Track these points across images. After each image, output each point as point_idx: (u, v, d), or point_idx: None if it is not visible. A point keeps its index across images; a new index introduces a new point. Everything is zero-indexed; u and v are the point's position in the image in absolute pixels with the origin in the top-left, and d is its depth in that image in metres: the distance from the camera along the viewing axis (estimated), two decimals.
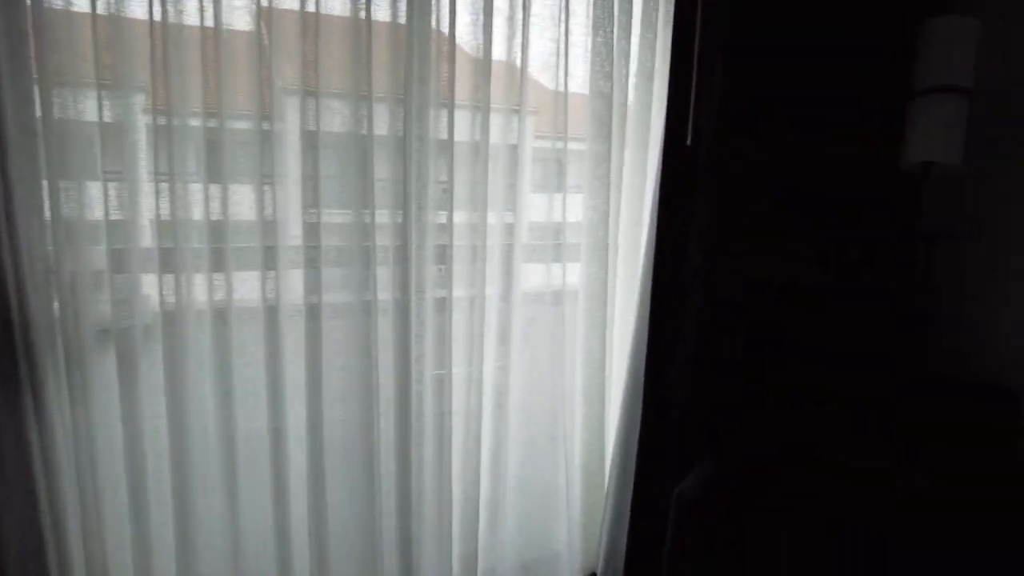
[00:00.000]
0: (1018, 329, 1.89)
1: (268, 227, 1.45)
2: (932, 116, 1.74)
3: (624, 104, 1.80)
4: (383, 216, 1.53)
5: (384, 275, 1.55)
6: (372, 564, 1.66)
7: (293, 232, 1.48)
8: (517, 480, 1.91)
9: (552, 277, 1.84)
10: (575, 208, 1.83)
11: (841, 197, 1.86)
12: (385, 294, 1.57)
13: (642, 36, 1.79)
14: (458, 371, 1.71)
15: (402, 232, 1.54)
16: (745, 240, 1.74)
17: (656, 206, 1.72)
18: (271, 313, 1.48)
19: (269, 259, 1.46)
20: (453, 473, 1.73)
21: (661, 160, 1.69)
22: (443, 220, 1.61)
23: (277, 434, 1.51)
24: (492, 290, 1.73)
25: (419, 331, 1.63)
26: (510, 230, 1.72)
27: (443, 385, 1.69)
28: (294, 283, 1.49)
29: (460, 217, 1.63)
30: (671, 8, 1.66)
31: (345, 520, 1.61)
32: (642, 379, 1.82)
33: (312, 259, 1.48)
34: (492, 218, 1.68)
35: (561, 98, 1.71)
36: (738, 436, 1.77)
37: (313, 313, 1.51)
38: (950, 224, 1.97)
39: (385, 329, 1.58)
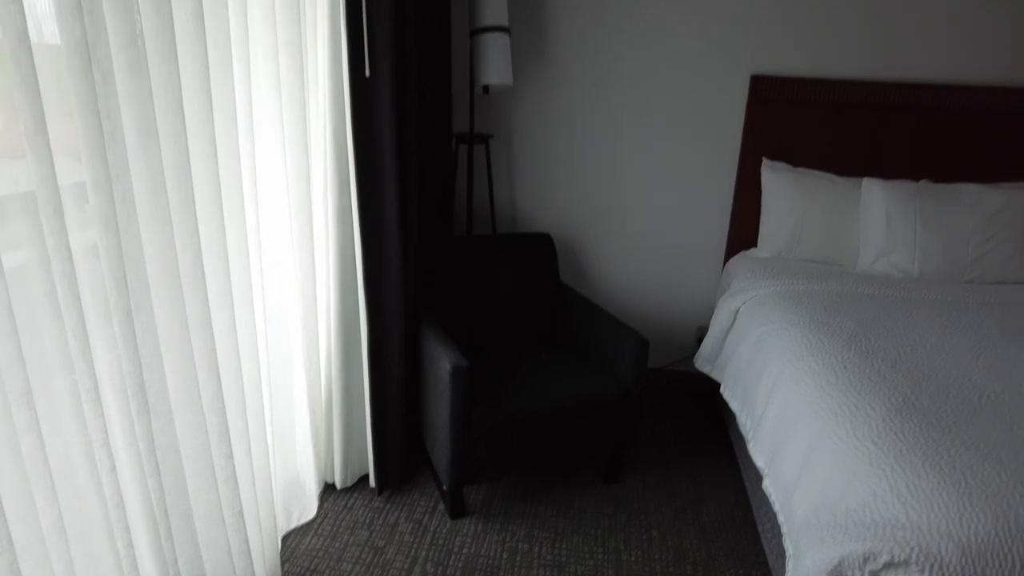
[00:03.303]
0: (540, 197, 2.89)
1: None
2: (487, 50, 2.39)
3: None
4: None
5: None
6: None
7: None
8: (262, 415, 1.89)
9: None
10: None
11: (437, 111, 2.37)
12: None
13: None
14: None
15: None
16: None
17: (351, 132, 1.87)
18: None
19: None
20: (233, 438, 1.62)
21: (349, 92, 1.84)
22: None
23: None
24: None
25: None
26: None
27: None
28: None
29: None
30: None
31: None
32: (360, 289, 2.03)
33: None
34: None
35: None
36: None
37: None
38: (501, 127, 2.76)
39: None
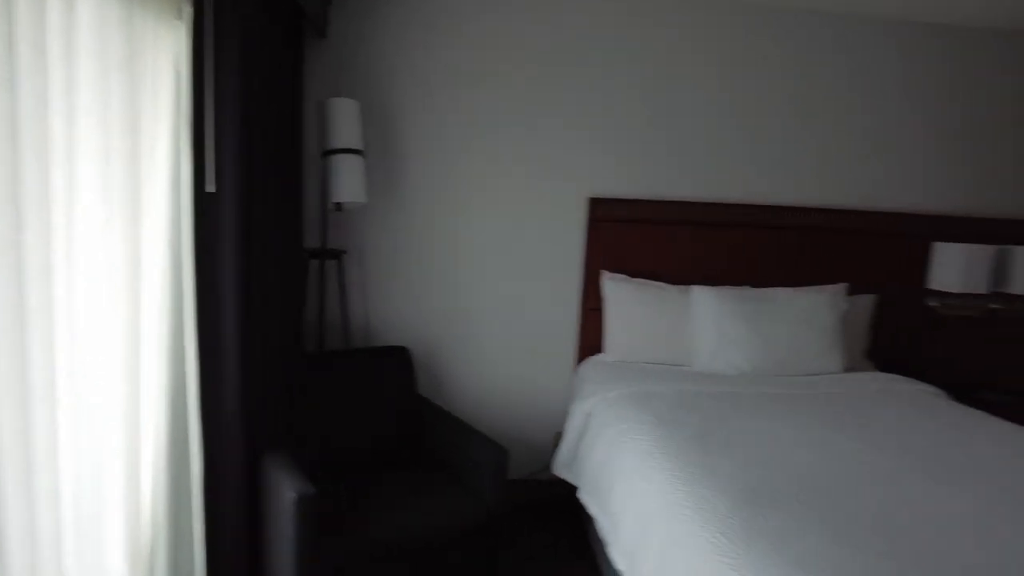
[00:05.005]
0: (395, 311, 2.88)
1: None
2: (339, 170, 2.43)
3: None
4: None
5: None
6: None
7: None
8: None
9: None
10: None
11: (288, 228, 2.34)
12: None
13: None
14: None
15: None
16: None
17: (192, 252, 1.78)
18: None
19: None
20: None
21: (191, 206, 1.77)
22: None
23: None
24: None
25: None
26: None
27: None
28: None
29: None
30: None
31: None
32: (194, 418, 1.85)
33: None
34: None
35: None
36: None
37: None
38: (352, 243, 2.75)
39: None
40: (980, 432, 2.14)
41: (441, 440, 2.43)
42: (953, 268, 3.02)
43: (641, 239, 3.01)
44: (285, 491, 1.80)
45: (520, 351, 3.03)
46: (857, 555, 1.35)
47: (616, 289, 2.88)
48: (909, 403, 2.42)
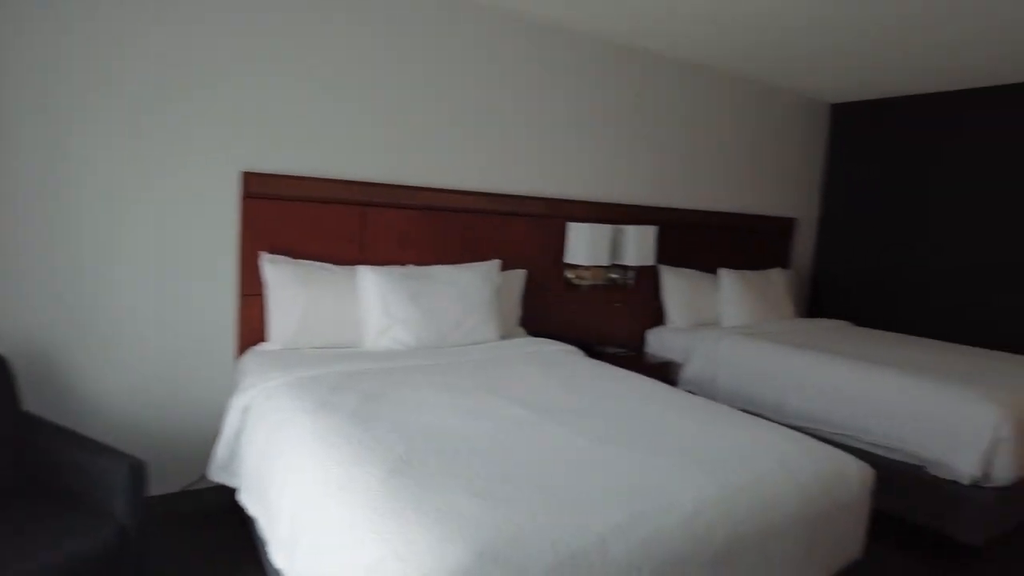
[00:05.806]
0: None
1: None
2: None
3: None
4: None
5: None
6: None
7: None
8: None
9: None
10: None
11: None
12: None
13: None
14: None
15: None
16: None
17: None
18: None
19: None
20: None
21: None
22: None
23: None
24: None
25: None
26: None
27: None
28: None
29: None
30: None
31: None
32: None
33: None
34: None
35: None
36: None
37: None
38: None
39: None
40: (601, 380, 2.52)
41: (59, 463, 1.99)
42: (582, 244, 3.52)
43: (304, 218, 2.86)
44: None
45: (168, 349, 2.65)
46: (486, 503, 1.45)
47: (277, 272, 2.70)
48: (550, 361, 2.75)
